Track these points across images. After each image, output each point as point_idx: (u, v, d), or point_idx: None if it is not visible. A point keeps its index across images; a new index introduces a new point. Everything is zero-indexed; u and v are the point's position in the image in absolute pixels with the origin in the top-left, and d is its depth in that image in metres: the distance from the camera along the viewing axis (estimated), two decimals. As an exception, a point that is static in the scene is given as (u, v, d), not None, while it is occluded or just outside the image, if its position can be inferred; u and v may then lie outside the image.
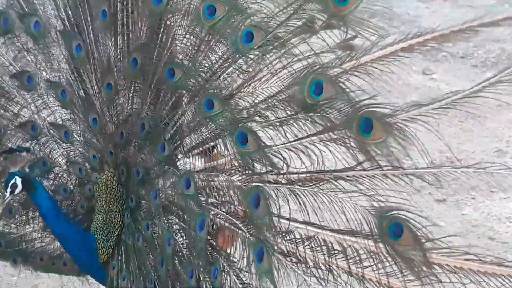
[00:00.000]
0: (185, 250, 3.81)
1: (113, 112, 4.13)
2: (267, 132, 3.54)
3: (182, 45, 3.75)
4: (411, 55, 3.23)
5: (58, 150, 4.41)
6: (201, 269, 3.67)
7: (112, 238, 4.19)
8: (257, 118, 3.54)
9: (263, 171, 3.52)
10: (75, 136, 4.33)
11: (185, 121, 3.81)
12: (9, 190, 3.95)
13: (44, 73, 4.34)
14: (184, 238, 3.83)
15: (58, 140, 4.37)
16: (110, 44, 4.04)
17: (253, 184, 3.53)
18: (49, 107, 4.37)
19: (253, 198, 3.49)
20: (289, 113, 3.48)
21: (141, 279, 4.04)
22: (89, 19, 4.07)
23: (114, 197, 4.19)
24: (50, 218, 4.10)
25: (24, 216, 4.59)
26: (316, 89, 3.32)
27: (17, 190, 3.97)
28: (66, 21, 4.16)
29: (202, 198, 3.71)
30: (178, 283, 3.85)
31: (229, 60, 3.63)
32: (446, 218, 5.95)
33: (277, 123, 3.51)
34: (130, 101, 4.05)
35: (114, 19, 3.95)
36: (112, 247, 4.21)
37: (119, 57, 4.03)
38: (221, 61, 3.66)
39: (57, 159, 4.43)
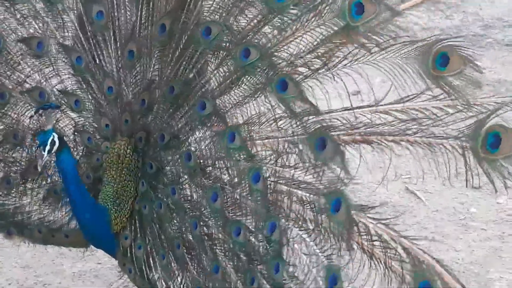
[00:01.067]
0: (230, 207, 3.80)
1: (133, 80, 4.12)
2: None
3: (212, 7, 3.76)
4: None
5: (64, 119, 4.34)
6: (258, 223, 3.65)
7: (125, 208, 4.17)
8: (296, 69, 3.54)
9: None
10: (86, 104, 4.28)
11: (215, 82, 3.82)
12: (47, 148, 3.83)
13: (54, 40, 4.27)
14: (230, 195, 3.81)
15: (66, 109, 4.30)
16: (136, 12, 4.03)
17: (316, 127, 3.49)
18: (59, 75, 4.31)
19: (317, 142, 3.46)
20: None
21: (164, 246, 4.02)
22: None
23: (127, 166, 4.17)
24: (72, 182, 4.02)
25: (21, 187, 4.49)
26: None
27: (54, 148, 3.87)
28: None
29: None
30: (214, 244, 3.86)
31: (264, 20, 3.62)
32: (481, 205, 6.13)
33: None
34: (152, 68, 4.04)
35: None
36: (126, 216, 4.18)
37: (145, 24, 4.02)
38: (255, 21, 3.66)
39: (63, 128, 4.36)
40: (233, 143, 3.70)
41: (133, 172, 4.18)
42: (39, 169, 3.92)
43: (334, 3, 3.37)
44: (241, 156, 3.69)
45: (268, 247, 3.63)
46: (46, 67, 4.31)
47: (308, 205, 3.55)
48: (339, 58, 3.46)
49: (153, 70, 4.05)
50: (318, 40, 3.46)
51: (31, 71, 4.34)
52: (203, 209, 3.89)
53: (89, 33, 4.18)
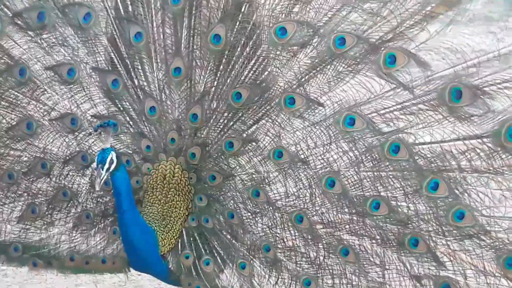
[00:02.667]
0: None
1: (180, 97, 4.21)
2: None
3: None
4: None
5: (99, 144, 4.34)
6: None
7: (173, 229, 4.21)
8: None
9: None
10: (123, 127, 4.31)
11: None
12: (106, 166, 3.80)
13: (86, 65, 4.30)
14: None
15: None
16: (181, 27, 4.15)
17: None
18: (91, 100, 4.32)
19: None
20: None
21: (242, 254, 4.15)
22: (152, 6, 4.17)
23: (175, 187, 4.23)
24: (126, 201, 3.99)
25: (48, 217, 4.41)
26: None
27: (112, 167, 3.84)
28: (122, 12, 4.21)
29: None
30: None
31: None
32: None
33: None
34: (205, 80, 4.15)
35: (189, 2, 4.11)
36: (175, 237, 4.22)
37: (194, 37, 4.14)
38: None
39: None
40: (353, 126, 3.93)
41: (183, 191, 4.25)
42: (97, 188, 3.84)
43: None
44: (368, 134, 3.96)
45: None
46: (77, 93, 4.31)
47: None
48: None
49: (206, 83, 4.16)
50: None
51: (60, 98, 4.33)
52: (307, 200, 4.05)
53: (125, 55, 4.24)
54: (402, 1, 3.84)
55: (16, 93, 4.31)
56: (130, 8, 4.21)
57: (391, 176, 3.89)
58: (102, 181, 3.82)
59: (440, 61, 3.90)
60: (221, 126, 4.19)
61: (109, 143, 3.91)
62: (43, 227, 4.44)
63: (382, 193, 3.90)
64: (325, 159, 4.02)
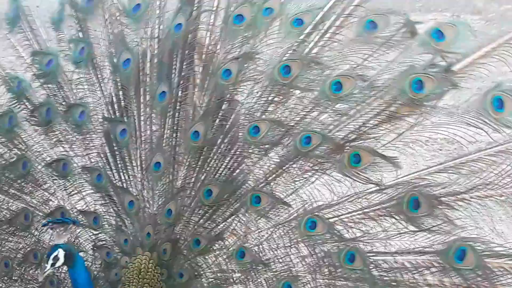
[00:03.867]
0: None
1: (158, 192, 4.32)
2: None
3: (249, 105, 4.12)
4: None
5: (84, 235, 4.51)
6: None
7: None
8: None
9: None
10: (105, 221, 4.46)
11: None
12: (50, 262, 3.96)
13: (78, 160, 4.54)
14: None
15: (87, 226, 4.49)
16: (163, 124, 4.31)
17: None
18: (80, 193, 4.53)
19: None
20: None
21: None
22: (141, 101, 4.37)
23: (148, 281, 4.26)
24: None
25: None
26: None
27: (58, 263, 3.98)
28: (114, 107, 4.44)
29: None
30: None
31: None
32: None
33: None
34: (182, 176, 4.26)
35: (171, 100, 4.27)
36: None
37: (175, 133, 4.29)
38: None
39: (82, 244, 4.52)
40: (314, 230, 3.93)
41: (156, 286, 4.27)
42: (40, 279, 4.08)
43: None
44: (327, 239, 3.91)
45: None
46: (70, 186, 4.55)
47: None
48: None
49: (183, 178, 4.27)
50: None
51: (56, 189, 4.56)
52: None
53: (115, 151, 4.43)
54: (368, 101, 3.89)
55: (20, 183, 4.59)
56: (122, 104, 4.43)
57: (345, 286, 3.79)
58: (44, 275, 4.03)
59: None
60: (191, 223, 4.23)
61: (62, 240, 4.05)
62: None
63: None
64: (285, 262, 3.98)
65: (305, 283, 3.94)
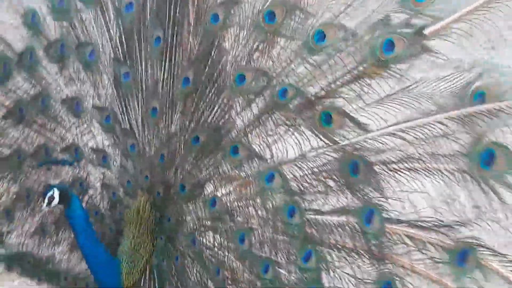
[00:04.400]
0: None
1: (154, 135, 4.35)
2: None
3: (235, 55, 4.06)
4: None
5: (94, 173, 4.61)
6: (291, 255, 3.84)
7: (139, 263, 4.32)
8: None
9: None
10: (113, 161, 4.54)
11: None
12: (46, 201, 4.08)
13: (90, 99, 4.59)
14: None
15: (96, 164, 4.58)
16: (159, 69, 4.30)
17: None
18: (92, 132, 4.60)
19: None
20: None
21: None
22: (142, 46, 4.35)
23: (145, 222, 4.35)
24: (81, 235, 4.21)
25: (55, 237, 4.76)
26: None
27: (53, 203, 4.10)
28: (119, 50, 4.45)
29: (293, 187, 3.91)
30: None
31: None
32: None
33: None
34: (175, 122, 4.27)
35: (166, 45, 4.24)
36: (139, 272, 4.33)
37: (168, 79, 4.27)
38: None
39: (93, 181, 4.62)
40: (271, 183, 3.91)
41: (151, 228, 4.35)
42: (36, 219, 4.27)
43: None
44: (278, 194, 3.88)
45: (304, 276, 3.82)
46: (83, 124, 4.63)
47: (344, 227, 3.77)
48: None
49: (176, 124, 4.28)
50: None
51: (72, 127, 4.66)
52: (227, 252, 4.04)
53: (121, 93, 4.48)
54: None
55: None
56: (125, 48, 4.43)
57: (283, 241, 3.75)
58: (41, 214, 4.30)
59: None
60: (179, 169, 4.24)
61: (57, 180, 4.22)
62: (51, 245, 4.80)
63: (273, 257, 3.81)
64: (245, 214, 3.96)
65: (255, 235, 3.95)
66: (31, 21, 4.64)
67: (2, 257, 4.83)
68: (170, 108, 4.28)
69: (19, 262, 4.87)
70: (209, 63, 4.12)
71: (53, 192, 4.10)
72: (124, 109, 4.46)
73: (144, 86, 4.37)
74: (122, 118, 4.48)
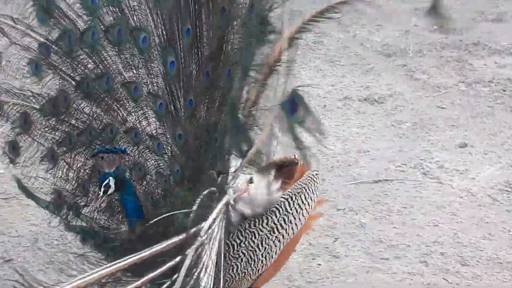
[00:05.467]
0: None
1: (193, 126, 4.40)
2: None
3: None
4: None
5: (151, 160, 4.59)
6: None
7: None
8: None
9: None
10: (166, 149, 4.53)
11: None
12: (102, 190, 4.27)
13: (145, 86, 4.55)
14: None
15: (152, 151, 4.57)
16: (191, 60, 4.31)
17: None
18: (147, 119, 4.58)
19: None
20: None
21: None
22: (181, 36, 4.32)
23: None
24: (132, 222, 4.40)
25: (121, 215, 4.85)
26: None
27: (110, 191, 4.27)
28: (163, 38, 4.38)
29: None
30: None
31: None
32: None
33: None
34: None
35: (195, 38, 4.27)
36: None
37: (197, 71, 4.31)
38: None
39: (150, 168, 4.62)
40: None
41: None
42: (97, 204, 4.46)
43: None
44: None
45: None
46: (141, 110, 4.61)
47: None
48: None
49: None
50: None
51: (131, 111, 4.67)
52: None
53: (169, 81, 4.43)
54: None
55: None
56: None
57: None
58: (99, 202, 4.51)
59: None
60: None
61: (112, 168, 4.28)
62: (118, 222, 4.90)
63: None
64: None
65: None
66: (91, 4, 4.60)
67: (78, 228, 4.99)
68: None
69: (92, 236, 5.05)
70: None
71: (109, 181, 4.25)
72: (171, 98, 4.42)
73: (182, 78, 4.35)
74: (170, 107, 4.43)
